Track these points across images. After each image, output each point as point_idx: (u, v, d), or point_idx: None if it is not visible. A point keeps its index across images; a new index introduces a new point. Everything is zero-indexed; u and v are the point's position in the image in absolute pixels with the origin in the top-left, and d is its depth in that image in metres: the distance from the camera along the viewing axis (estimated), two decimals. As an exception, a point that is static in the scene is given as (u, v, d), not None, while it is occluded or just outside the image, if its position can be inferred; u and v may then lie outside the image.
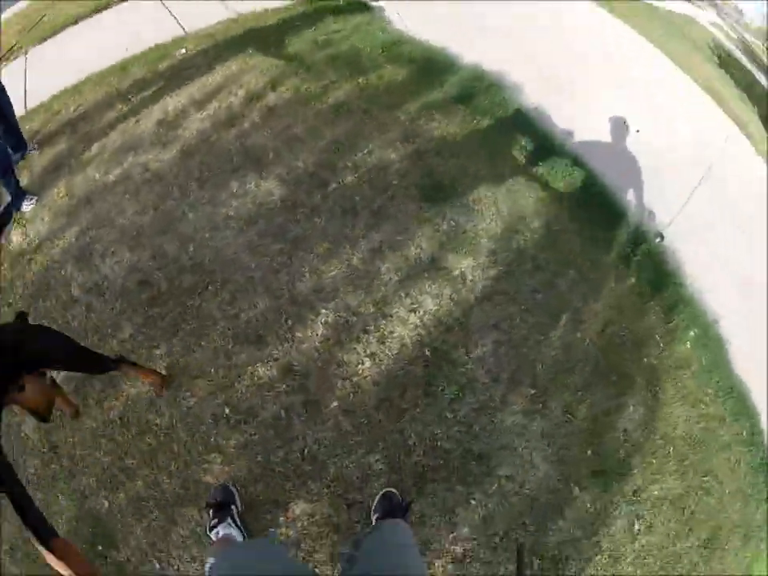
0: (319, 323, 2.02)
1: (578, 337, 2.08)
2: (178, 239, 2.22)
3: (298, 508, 1.68)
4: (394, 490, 1.67)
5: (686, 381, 2.14)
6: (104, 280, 2.28)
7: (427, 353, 1.97)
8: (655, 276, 2.41)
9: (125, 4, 3.69)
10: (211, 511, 1.59)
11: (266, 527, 1.64)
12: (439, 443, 1.78)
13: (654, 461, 1.91)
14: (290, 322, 2.03)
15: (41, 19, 3.73)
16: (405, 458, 1.75)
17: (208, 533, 1.57)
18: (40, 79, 3.44)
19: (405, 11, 3.43)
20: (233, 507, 1.61)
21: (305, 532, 1.64)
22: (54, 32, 3.63)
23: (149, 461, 1.78)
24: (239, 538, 1.53)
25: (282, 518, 1.66)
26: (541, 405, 1.91)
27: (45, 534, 1.57)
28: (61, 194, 2.67)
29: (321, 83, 2.69)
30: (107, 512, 1.72)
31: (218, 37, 3.15)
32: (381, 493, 1.66)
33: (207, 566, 0.97)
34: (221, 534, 1.52)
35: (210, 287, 2.11)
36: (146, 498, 1.73)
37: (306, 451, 1.76)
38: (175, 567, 1.62)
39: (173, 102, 2.74)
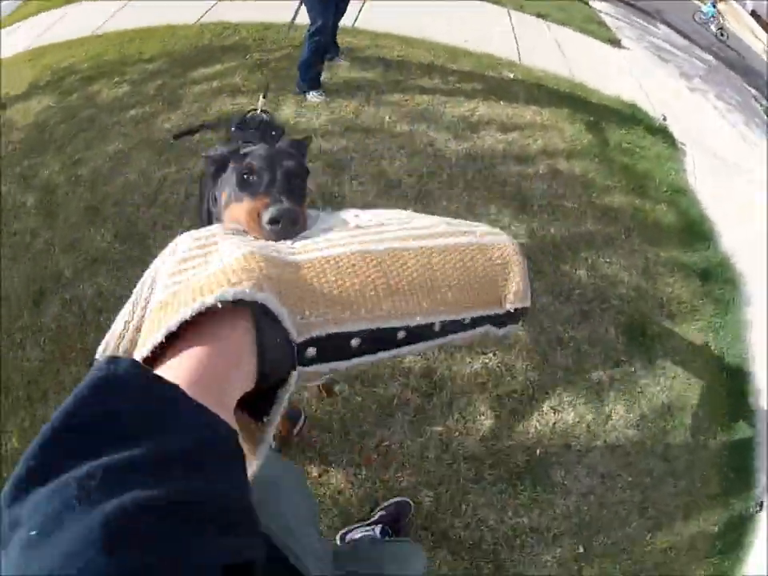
0: (482, 361, 2.12)
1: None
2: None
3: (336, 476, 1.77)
4: (410, 502, 1.71)
5: None
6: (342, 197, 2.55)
7: (538, 452, 1.98)
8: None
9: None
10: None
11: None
12: (485, 524, 1.78)
13: None
14: (462, 350, 2.14)
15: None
16: (452, 517, 1.76)
17: None
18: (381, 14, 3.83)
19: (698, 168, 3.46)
20: None
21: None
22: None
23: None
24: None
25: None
26: (577, 569, 1.84)
27: None
28: (349, 109, 3.01)
29: (607, 181, 2.81)
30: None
31: (546, 83, 3.38)
32: (398, 500, 1.72)
33: None
34: None
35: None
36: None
37: (383, 444, 1.86)
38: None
39: (482, 109, 3.00)
